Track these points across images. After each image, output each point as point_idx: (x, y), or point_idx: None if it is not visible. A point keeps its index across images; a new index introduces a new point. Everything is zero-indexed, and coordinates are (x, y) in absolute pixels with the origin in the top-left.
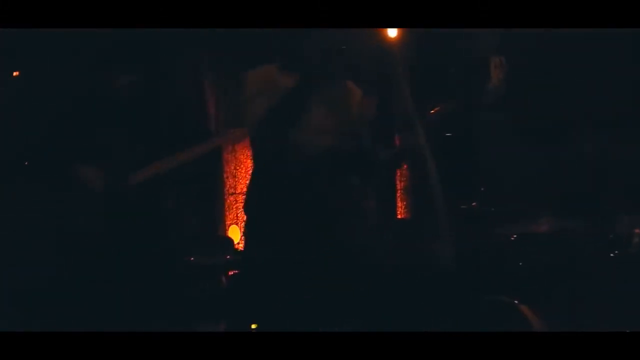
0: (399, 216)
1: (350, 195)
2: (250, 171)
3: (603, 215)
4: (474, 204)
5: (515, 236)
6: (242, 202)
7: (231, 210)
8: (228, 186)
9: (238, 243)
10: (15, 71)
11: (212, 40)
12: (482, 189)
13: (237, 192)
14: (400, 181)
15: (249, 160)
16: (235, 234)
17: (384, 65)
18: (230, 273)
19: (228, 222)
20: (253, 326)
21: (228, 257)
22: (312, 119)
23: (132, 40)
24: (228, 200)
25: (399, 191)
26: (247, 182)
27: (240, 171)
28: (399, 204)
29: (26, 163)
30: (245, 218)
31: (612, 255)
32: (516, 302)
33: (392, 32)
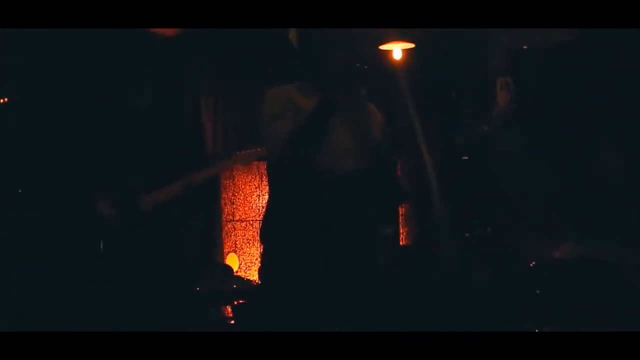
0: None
1: (372, 219)
2: (268, 194)
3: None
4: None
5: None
6: (240, 230)
7: (229, 238)
8: (226, 213)
9: (237, 271)
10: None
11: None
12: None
13: (235, 220)
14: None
15: (247, 187)
16: (234, 261)
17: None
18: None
19: (226, 250)
20: None
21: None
22: (333, 141)
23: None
24: (226, 228)
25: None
26: (265, 205)
27: (239, 198)
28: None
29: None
30: (262, 244)
31: None
32: None
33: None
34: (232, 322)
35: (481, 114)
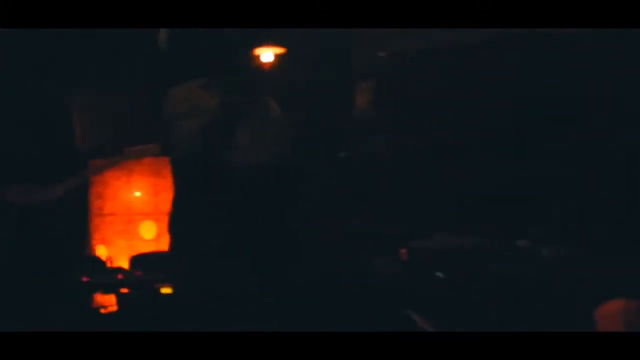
0: None
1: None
2: (173, 191)
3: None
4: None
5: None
6: (110, 223)
7: (98, 231)
8: (95, 207)
9: (106, 262)
10: None
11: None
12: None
13: (104, 214)
14: None
15: (117, 182)
16: (104, 253)
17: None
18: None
19: (94, 243)
20: None
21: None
22: (236, 137)
23: None
24: (95, 222)
25: None
26: (170, 200)
27: (109, 192)
28: None
29: None
30: (170, 237)
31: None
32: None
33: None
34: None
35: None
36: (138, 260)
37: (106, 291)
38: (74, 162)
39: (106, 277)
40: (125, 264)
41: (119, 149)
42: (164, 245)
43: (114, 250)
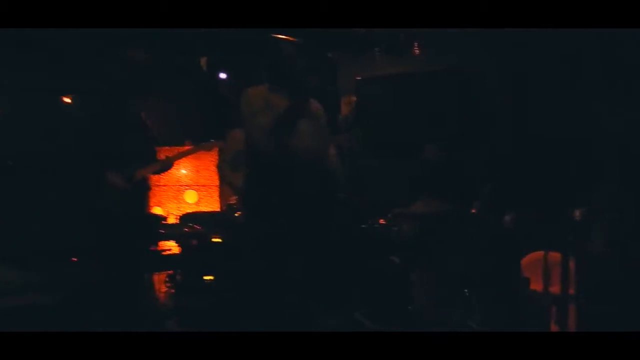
0: None
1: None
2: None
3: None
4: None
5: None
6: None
7: (155, 197)
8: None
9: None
10: None
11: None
12: None
13: (160, 184)
14: None
15: None
16: (161, 212)
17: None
18: None
19: (152, 205)
20: None
21: None
22: (301, 131)
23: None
24: (153, 190)
25: None
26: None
27: None
28: None
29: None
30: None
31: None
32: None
33: None
34: None
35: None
36: (186, 218)
37: (175, 239)
38: (160, 151)
39: (175, 229)
40: (174, 220)
41: (195, 141)
42: (202, 208)
43: (166, 210)
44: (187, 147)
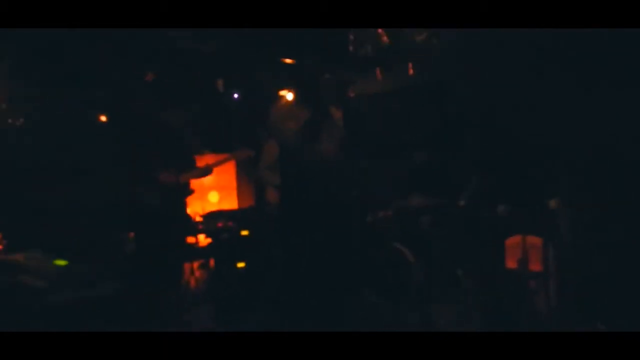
0: None
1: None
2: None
3: None
4: None
5: None
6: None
7: None
8: None
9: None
10: None
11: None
12: None
13: None
14: None
15: None
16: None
17: None
18: None
19: None
20: None
21: None
22: (321, 137)
23: None
24: None
25: None
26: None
27: None
28: None
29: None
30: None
31: None
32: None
33: None
34: None
35: None
36: (210, 214)
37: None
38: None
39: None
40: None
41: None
42: (224, 206)
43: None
44: (224, 155)
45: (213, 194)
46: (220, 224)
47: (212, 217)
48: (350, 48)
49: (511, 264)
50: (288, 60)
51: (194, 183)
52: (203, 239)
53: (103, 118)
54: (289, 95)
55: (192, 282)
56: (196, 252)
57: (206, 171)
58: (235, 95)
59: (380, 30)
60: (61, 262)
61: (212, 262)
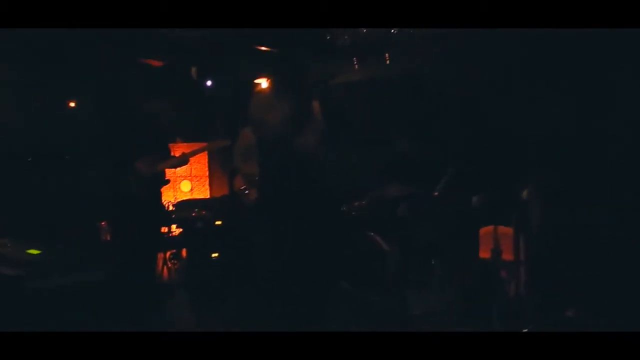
0: None
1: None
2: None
3: None
4: None
5: None
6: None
7: None
8: None
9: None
10: None
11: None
12: None
13: None
14: None
15: None
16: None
17: None
18: None
19: None
20: None
21: None
22: (299, 126)
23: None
24: None
25: None
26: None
27: None
28: None
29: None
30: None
31: None
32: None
33: None
34: None
35: None
36: (182, 203)
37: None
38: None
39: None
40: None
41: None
42: (196, 195)
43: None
44: (200, 144)
45: (185, 183)
46: (194, 213)
47: (184, 206)
48: (328, 38)
49: (484, 253)
50: (264, 48)
51: (167, 172)
52: (175, 228)
53: (72, 104)
54: (264, 84)
55: (165, 272)
56: (169, 241)
57: (183, 160)
58: (209, 83)
59: None
60: (34, 252)
61: (184, 252)
